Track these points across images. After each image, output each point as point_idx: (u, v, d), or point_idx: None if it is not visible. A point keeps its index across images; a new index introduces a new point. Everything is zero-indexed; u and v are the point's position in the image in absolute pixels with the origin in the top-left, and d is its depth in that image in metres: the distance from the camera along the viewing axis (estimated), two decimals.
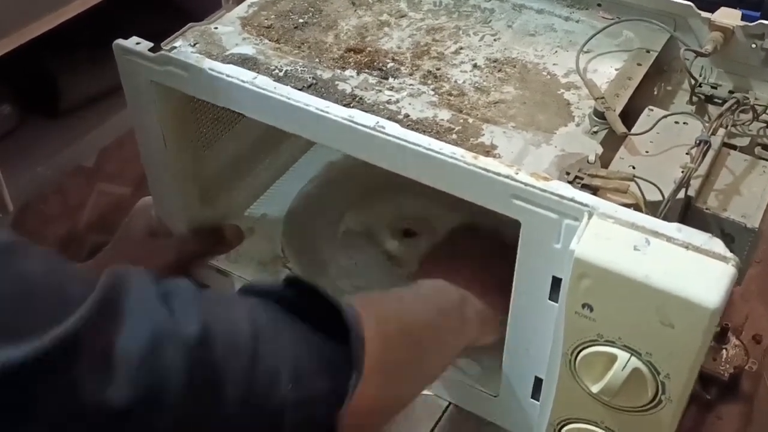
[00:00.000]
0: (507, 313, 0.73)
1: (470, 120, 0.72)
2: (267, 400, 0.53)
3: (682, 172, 0.65)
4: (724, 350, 0.85)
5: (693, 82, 0.79)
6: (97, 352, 0.46)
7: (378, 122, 0.69)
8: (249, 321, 0.55)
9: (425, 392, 0.84)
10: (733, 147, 0.74)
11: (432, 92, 0.76)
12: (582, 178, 0.65)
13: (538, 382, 0.73)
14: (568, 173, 0.66)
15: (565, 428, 0.69)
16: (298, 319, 0.58)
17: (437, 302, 0.74)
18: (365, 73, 0.78)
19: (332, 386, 0.57)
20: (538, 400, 0.74)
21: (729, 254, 0.57)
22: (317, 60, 0.79)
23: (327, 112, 0.70)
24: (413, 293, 0.75)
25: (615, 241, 0.59)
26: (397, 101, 0.74)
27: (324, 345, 0.58)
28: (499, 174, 0.64)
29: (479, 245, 0.84)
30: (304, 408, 0.55)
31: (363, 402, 0.58)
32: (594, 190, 0.64)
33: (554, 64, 0.80)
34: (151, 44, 0.77)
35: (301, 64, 0.78)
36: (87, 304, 0.47)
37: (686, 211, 0.68)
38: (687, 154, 0.68)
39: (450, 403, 0.84)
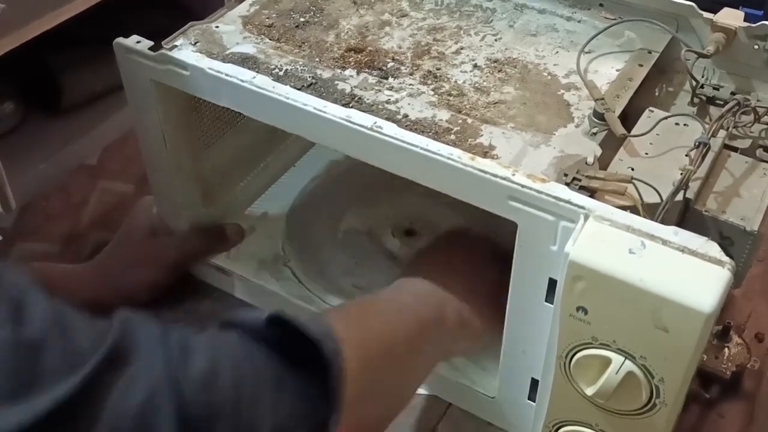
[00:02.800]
0: (495, 319, 0.73)
1: (469, 120, 0.72)
2: None
3: (681, 174, 0.65)
4: (726, 348, 0.85)
5: (694, 83, 0.78)
6: (97, 410, 0.46)
7: (375, 122, 0.68)
8: (232, 371, 0.53)
9: (426, 393, 0.85)
10: (734, 149, 0.73)
11: (431, 92, 0.76)
12: (580, 180, 0.65)
13: (534, 384, 0.73)
14: (566, 175, 0.66)
15: (561, 430, 0.69)
16: (278, 359, 0.56)
17: (417, 313, 0.72)
18: (365, 72, 0.78)
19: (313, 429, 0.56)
20: (534, 402, 0.74)
21: (725, 258, 0.57)
22: (317, 59, 0.79)
23: (325, 112, 0.70)
24: (394, 303, 0.73)
25: (610, 243, 0.58)
26: (397, 101, 0.74)
27: (305, 388, 0.56)
28: (495, 175, 0.64)
29: (470, 248, 0.83)
30: None
31: (345, 430, 0.57)
32: (592, 192, 0.64)
33: (555, 65, 0.80)
34: (152, 43, 0.77)
35: (301, 63, 0.78)
36: (95, 360, 0.47)
37: (685, 213, 0.67)
38: (686, 156, 0.68)
39: (450, 404, 0.84)
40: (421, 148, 0.67)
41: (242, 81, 0.73)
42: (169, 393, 0.49)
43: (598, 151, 0.69)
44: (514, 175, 0.64)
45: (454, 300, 0.75)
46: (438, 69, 0.79)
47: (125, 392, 0.48)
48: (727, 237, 0.67)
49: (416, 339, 0.71)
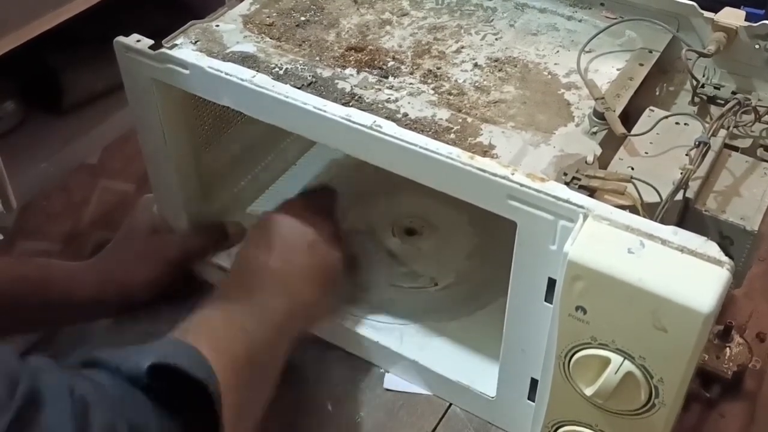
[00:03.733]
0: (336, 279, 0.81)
1: (469, 119, 0.72)
2: None
3: (681, 173, 0.65)
4: (727, 348, 0.85)
5: (695, 82, 0.78)
6: None
7: (375, 121, 0.68)
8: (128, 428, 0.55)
9: (426, 393, 0.85)
10: (735, 148, 0.73)
11: (432, 91, 0.76)
12: (579, 179, 0.65)
13: (533, 384, 0.73)
14: (565, 174, 0.65)
15: (560, 430, 0.69)
16: (164, 409, 0.58)
17: (273, 316, 0.74)
18: (365, 71, 0.78)
19: None
20: (533, 402, 0.74)
21: (724, 258, 0.57)
22: (318, 58, 0.79)
23: (325, 111, 0.70)
24: (250, 307, 0.74)
25: (609, 243, 0.58)
26: (397, 100, 0.74)
27: None
28: (495, 174, 0.64)
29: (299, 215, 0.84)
30: None
31: None
32: (591, 192, 0.64)
33: (555, 64, 0.80)
34: (152, 42, 0.78)
35: (301, 62, 0.78)
36: (11, 409, 0.49)
37: (685, 213, 0.67)
38: (686, 155, 0.68)
39: (451, 404, 0.84)
40: (421, 147, 0.66)
41: (242, 80, 0.73)
42: None
43: (598, 151, 0.69)
44: (513, 174, 0.63)
45: (299, 282, 0.78)
46: (438, 68, 0.79)
47: None
48: (727, 237, 0.67)
49: (275, 341, 0.74)
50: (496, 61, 0.80)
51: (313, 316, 0.82)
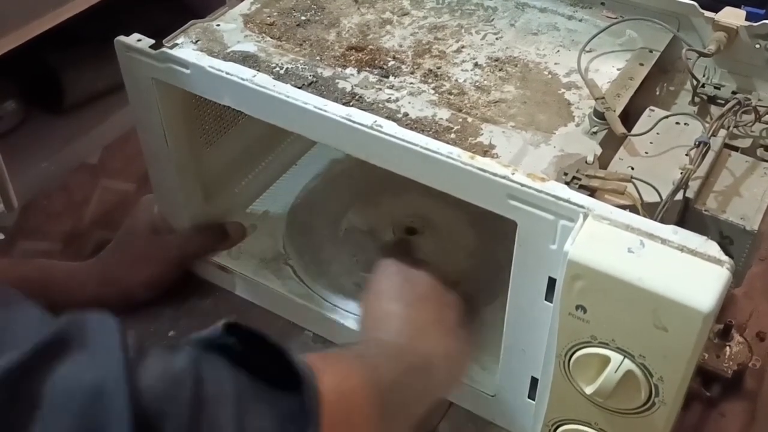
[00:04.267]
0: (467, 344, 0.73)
1: (469, 119, 0.72)
2: None
3: (681, 173, 0.65)
4: (727, 347, 0.85)
5: (695, 82, 0.78)
6: (31, 394, 0.43)
7: (375, 121, 0.68)
8: (192, 380, 0.48)
9: None
10: (735, 148, 0.73)
11: (432, 91, 0.76)
12: (580, 179, 0.65)
13: (534, 382, 0.73)
14: (565, 174, 0.66)
15: (560, 429, 0.69)
16: (244, 371, 0.51)
17: (403, 359, 0.66)
18: (366, 71, 0.78)
19: None
20: (534, 400, 0.74)
21: (724, 257, 0.57)
22: (318, 58, 0.79)
23: (325, 111, 0.70)
24: (376, 350, 0.67)
25: (609, 242, 0.58)
26: (397, 100, 0.74)
27: (275, 398, 0.51)
28: (495, 174, 0.64)
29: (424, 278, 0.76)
30: None
31: None
32: (591, 191, 0.64)
33: (556, 64, 0.80)
34: (153, 41, 0.78)
35: (302, 61, 0.78)
36: (34, 342, 0.44)
37: (685, 212, 0.67)
38: (686, 155, 0.68)
39: (452, 403, 0.84)
40: (421, 147, 0.67)
41: (243, 79, 0.73)
42: (122, 381, 0.45)
43: (598, 150, 0.69)
44: (513, 174, 0.64)
45: (436, 340, 0.70)
46: (439, 68, 0.79)
47: (73, 374, 0.44)
48: (727, 236, 0.67)
49: (402, 384, 0.64)
50: (496, 60, 0.80)
51: (456, 367, 0.74)
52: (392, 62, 0.79)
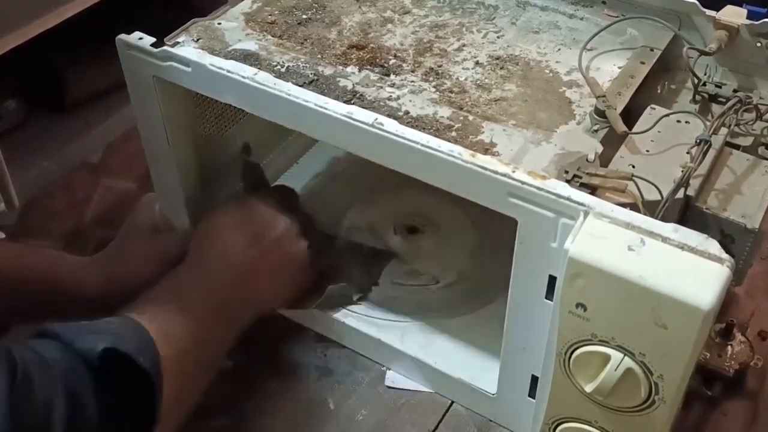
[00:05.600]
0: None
1: (470, 117, 0.72)
2: None
3: (682, 171, 0.65)
4: (729, 346, 0.85)
5: (696, 80, 0.78)
6: None
7: (376, 119, 0.68)
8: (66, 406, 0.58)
9: (427, 390, 0.85)
10: (736, 147, 0.73)
11: (433, 89, 0.76)
12: (580, 177, 0.65)
13: (534, 381, 0.73)
14: (566, 172, 0.66)
15: (560, 427, 0.69)
16: (103, 387, 0.61)
17: (226, 311, 0.77)
18: (367, 69, 0.78)
19: None
20: (534, 399, 0.74)
21: (724, 255, 0.57)
22: (319, 56, 0.79)
23: (326, 109, 0.70)
24: (207, 305, 0.76)
25: (610, 240, 0.58)
26: (398, 98, 0.74)
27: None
28: (496, 172, 0.64)
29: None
30: None
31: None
32: (592, 189, 0.64)
33: (557, 62, 0.80)
34: (154, 39, 0.78)
35: (303, 60, 0.78)
36: None
37: (686, 210, 0.67)
38: (687, 153, 0.68)
39: (452, 402, 0.84)
40: (422, 145, 0.67)
41: (244, 78, 0.73)
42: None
43: (599, 149, 0.69)
44: (514, 172, 0.63)
45: (257, 276, 0.81)
46: (440, 66, 0.79)
47: None
48: (728, 234, 0.67)
49: (223, 334, 0.77)
50: (497, 59, 0.80)
51: (270, 307, 0.86)
52: (393, 60, 0.79)
